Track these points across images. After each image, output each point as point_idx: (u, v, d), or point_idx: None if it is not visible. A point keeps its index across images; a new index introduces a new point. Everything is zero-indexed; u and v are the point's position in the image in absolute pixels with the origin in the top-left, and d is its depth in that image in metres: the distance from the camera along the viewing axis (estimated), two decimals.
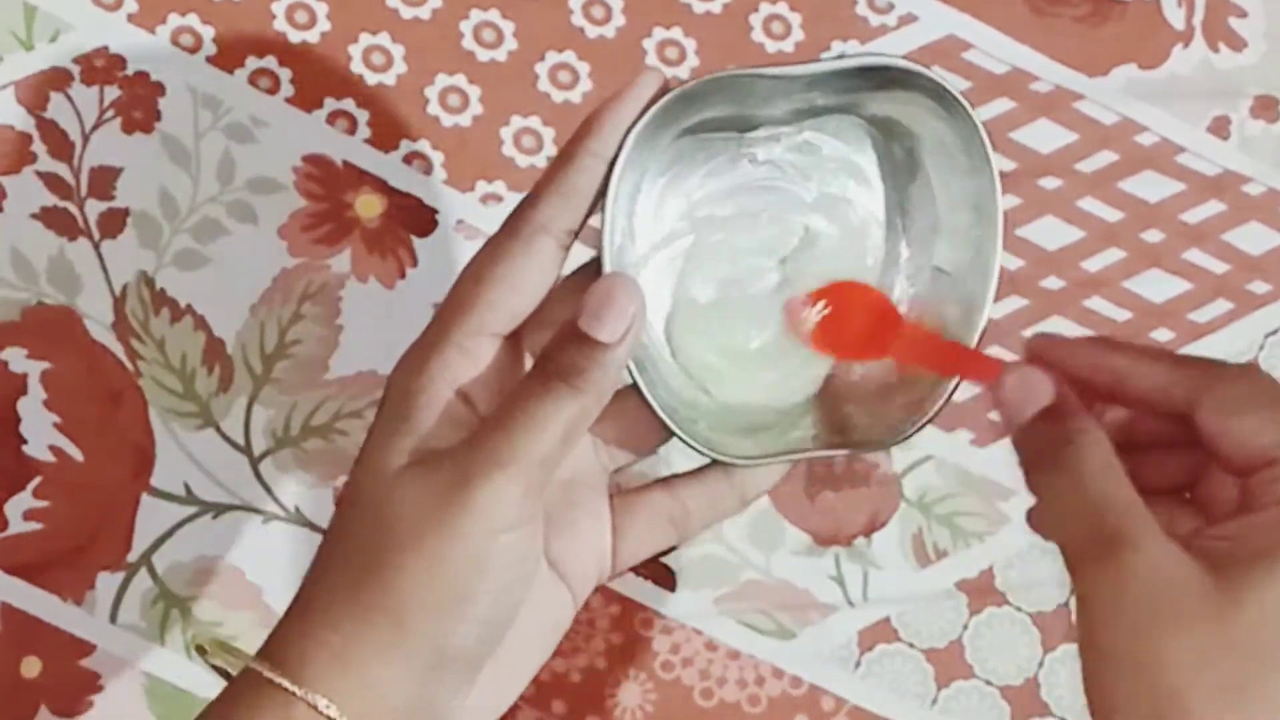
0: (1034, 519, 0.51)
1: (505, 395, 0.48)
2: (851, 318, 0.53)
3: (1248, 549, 0.46)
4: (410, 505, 0.46)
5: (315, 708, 0.46)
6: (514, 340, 0.50)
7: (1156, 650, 0.45)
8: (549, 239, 0.48)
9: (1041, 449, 0.48)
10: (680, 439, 0.51)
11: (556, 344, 0.47)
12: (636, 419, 0.51)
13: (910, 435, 0.53)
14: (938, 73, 0.52)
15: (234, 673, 0.48)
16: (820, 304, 0.53)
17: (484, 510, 0.46)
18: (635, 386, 0.50)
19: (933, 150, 0.54)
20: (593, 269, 0.50)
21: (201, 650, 0.50)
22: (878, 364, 0.54)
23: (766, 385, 0.54)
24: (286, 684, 0.46)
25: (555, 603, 0.52)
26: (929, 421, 0.53)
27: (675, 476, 0.53)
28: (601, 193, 0.48)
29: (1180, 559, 0.46)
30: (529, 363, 0.50)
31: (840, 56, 0.51)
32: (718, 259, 0.53)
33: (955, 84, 0.52)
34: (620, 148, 0.48)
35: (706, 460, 0.52)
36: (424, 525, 0.46)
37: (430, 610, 0.46)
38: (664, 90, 0.49)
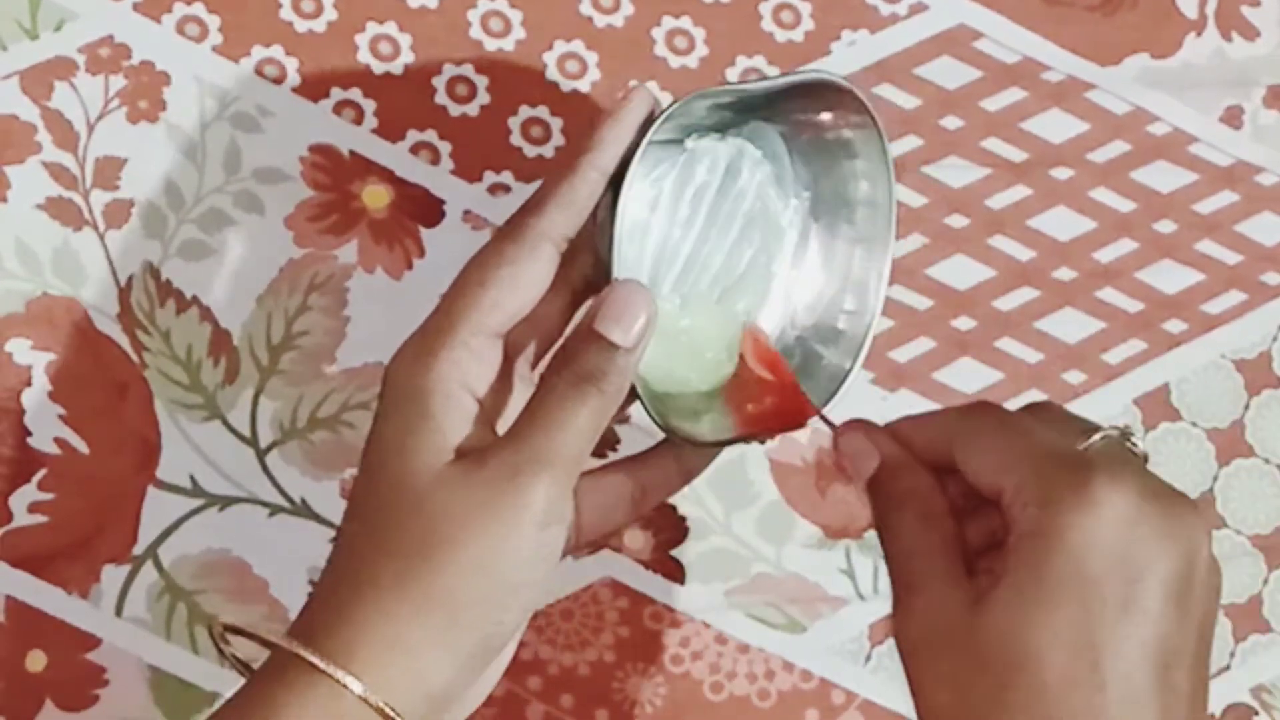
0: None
1: (533, 396, 0.51)
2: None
3: (991, 578, 0.50)
4: (459, 503, 0.48)
5: (358, 694, 0.47)
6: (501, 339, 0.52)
7: (921, 677, 0.50)
8: (550, 245, 0.51)
9: (875, 505, 0.54)
10: (655, 423, 0.54)
11: (576, 347, 0.50)
12: None
13: (819, 417, 0.56)
14: (828, 73, 0.56)
15: (255, 666, 0.49)
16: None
17: (535, 507, 0.49)
18: None
19: (840, 155, 0.58)
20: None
21: (232, 632, 0.51)
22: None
23: (681, 381, 0.57)
24: (337, 673, 0.47)
25: None
26: (827, 405, 0.57)
27: (630, 459, 0.57)
28: (598, 204, 0.52)
29: (952, 598, 0.50)
30: (521, 363, 0.53)
31: (766, 78, 0.57)
32: (661, 264, 0.57)
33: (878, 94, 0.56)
34: (627, 163, 0.52)
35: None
36: (475, 522, 0.48)
37: (483, 603, 0.48)
38: (653, 110, 0.53)
